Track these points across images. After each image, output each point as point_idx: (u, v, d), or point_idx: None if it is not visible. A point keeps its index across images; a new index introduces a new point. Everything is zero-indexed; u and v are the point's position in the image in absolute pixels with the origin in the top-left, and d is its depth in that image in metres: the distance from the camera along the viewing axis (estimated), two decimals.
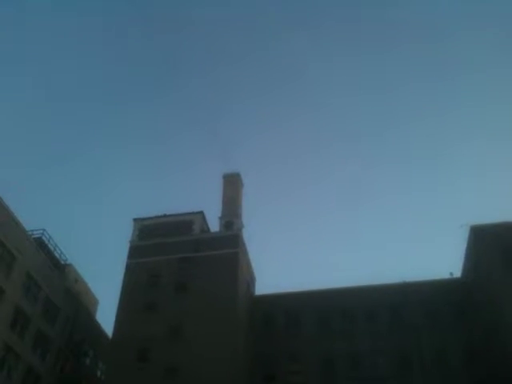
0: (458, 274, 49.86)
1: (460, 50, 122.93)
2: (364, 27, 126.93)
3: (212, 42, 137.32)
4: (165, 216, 54.59)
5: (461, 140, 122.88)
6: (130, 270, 50.14)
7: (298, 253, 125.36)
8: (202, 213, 54.51)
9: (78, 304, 53.84)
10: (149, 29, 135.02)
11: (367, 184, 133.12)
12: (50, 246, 52.14)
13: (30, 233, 49.48)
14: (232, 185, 57.93)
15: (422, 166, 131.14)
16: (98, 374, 55.83)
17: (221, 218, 54.27)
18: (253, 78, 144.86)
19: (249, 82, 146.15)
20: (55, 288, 49.76)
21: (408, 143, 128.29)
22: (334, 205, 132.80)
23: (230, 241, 51.20)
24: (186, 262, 49.64)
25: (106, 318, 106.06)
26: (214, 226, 54.80)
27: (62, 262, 53.70)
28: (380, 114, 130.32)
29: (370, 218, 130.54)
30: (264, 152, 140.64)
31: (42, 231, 51.50)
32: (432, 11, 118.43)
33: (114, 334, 46.85)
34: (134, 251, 51.79)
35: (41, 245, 50.33)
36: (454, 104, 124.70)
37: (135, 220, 54.76)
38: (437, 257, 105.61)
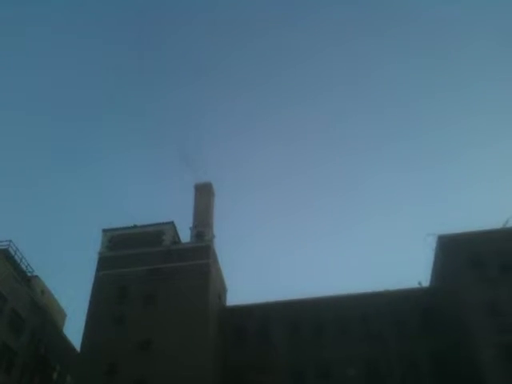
0: (426, 283, 50.68)
1: (458, 36, 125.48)
2: (358, 18, 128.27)
3: (186, 49, 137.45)
4: (135, 227, 53.92)
5: (433, 149, 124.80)
6: (98, 282, 49.31)
7: (269, 263, 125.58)
8: (172, 223, 54.03)
9: (45, 316, 52.73)
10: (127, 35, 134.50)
11: (339, 194, 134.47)
12: (16, 257, 51.04)
13: None
14: (203, 194, 57.71)
15: (390, 176, 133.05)
16: None
17: (192, 229, 53.95)
18: (219, 84, 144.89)
19: (217, 88, 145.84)
20: (21, 300, 48.62)
21: (384, 151, 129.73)
22: (305, 215, 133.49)
23: (201, 251, 50.78)
24: (156, 273, 49.04)
25: (74, 330, 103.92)
26: (185, 236, 54.53)
27: (29, 274, 52.60)
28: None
29: (341, 228, 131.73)
30: (236, 159, 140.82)
31: (8, 243, 50.39)
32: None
33: (82, 348, 45.94)
34: (103, 263, 50.95)
35: (7, 256, 49.20)
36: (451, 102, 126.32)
37: (104, 231, 53.93)
38: (406, 266, 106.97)
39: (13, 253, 50.61)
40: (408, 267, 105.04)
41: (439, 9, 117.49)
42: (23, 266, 52.01)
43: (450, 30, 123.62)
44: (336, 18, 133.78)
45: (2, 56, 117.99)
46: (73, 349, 54.60)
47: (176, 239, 53.98)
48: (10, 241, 50.65)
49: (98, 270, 50.57)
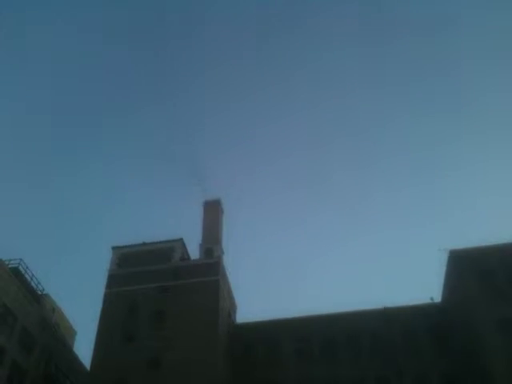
0: (438, 298, 50.15)
1: (460, 43, 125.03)
2: (361, 22, 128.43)
3: (191, 56, 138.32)
4: (144, 244, 54.11)
5: (445, 160, 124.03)
6: (108, 300, 49.40)
7: (278, 279, 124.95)
8: (181, 240, 54.11)
9: (55, 334, 52.82)
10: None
11: (348, 209, 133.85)
12: (26, 275, 51.29)
13: (7, 262, 48.70)
14: (212, 211, 57.82)
15: (403, 189, 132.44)
16: None
17: (201, 245, 53.99)
18: (223, 96, 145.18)
19: (221, 99, 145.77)
20: (32, 318, 48.80)
21: (393, 161, 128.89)
22: (314, 230, 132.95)
23: (210, 268, 50.77)
24: (165, 290, 49.04)
25: (84, 348, 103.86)
26: (195, 252, 54.57)
27: (39, 292, 52.80)
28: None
29: (351, 243, 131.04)
30: (244, 175, 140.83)
31: (18, 261, 50.73)
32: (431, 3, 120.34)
33: (92, 365, 45.87)
34: (113, 280, 51.09)
35: (17, 275, 49.46)
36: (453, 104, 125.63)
37: (114, 248, 54.18)
38: (418, 282, 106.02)
39: (23, 271, 50.92)
40: (420, 282, 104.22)
41: (442, 13, 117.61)
42: (33, 284, 52.25)
43: (454, 36, 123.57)
44: (339, 25, 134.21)
45: (2, 59, 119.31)
46: (83, 366, 54.52)
47: (185, 256, 54.04)
48: (21, 259, 51.11)
49: (107, 287, 50.71)
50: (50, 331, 51.73)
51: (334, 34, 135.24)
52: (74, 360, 56.16)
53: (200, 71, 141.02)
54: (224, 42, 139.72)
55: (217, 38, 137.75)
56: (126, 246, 54.26)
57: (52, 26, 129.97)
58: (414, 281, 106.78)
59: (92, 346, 46.69)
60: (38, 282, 52.96)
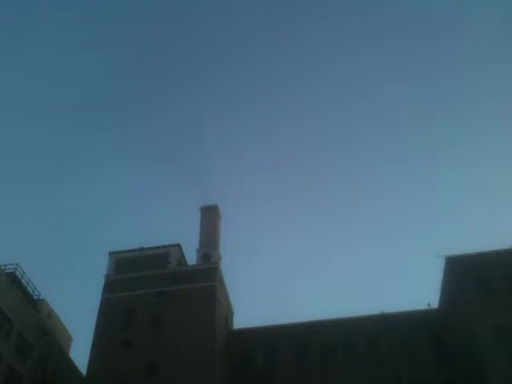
0: (435, 304, 50.16)
1: (462, 45, 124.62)
2: (363, 27, 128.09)
3: (188, 60, 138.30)
4: (141, 249, 53.95)
5: (440, 165, 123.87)
6: (105, 305, 49.23)
7: (277, 285, 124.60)
8: (178, 245, 54.02)
9: (52, 340, 52.53)
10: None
11: (345, 214, 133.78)
12: (23, 280, 51.08)
13: (3, 267, 48.52)
14: (209, 216, 57.70)
15: (401, 195, 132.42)
16: None
17: (198, 251, 53.92)
18: (221, 101, 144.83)
19: (219, 104, 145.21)
20: (28, 324, 48.52)
21: (391, 167, 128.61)
22: (311, 235, 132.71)
23: (207, 274, 50.68)
24: (162, 296, 48.93)
25: (80, 354, 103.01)
26: (192, 258, 54.46)
27: (36, 298, 52.57)
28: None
29: (348, 249, 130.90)
30: (243, 181, 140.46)
31: (14, 266, 50.51)
32: (433, 6, 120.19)
33: (88, 372, 45.70)
34: (110, 285, 50.93)
35: (14, 280, 49.26)
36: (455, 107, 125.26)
37: (111, 253, 54.00)
38: (415, 287, 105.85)
39: (19, 276, 50.68)
40: (417, 288, 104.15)
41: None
42: (30, 290, 52.00)
43: (454, 37, 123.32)
44: (338, 28, 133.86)
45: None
46: (79, 373, 54.22)
47: (182, 261, 53.94)
48: (17, 264, 50.81)
49: (104, 292, 50.55)
50: (46, 337, 51.46)
51: (334, 36, 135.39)
52: (70, 366, 55.81)
53: (202, 76, 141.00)
54: (227, 47, 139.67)
55: (220, 43, 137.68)
56: (122, 251, 54.09)
57: (51, 26, 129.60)
58: (412, 287, 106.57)
59: (88, 352, 46.60)
60: (35, 287, 52.74)
